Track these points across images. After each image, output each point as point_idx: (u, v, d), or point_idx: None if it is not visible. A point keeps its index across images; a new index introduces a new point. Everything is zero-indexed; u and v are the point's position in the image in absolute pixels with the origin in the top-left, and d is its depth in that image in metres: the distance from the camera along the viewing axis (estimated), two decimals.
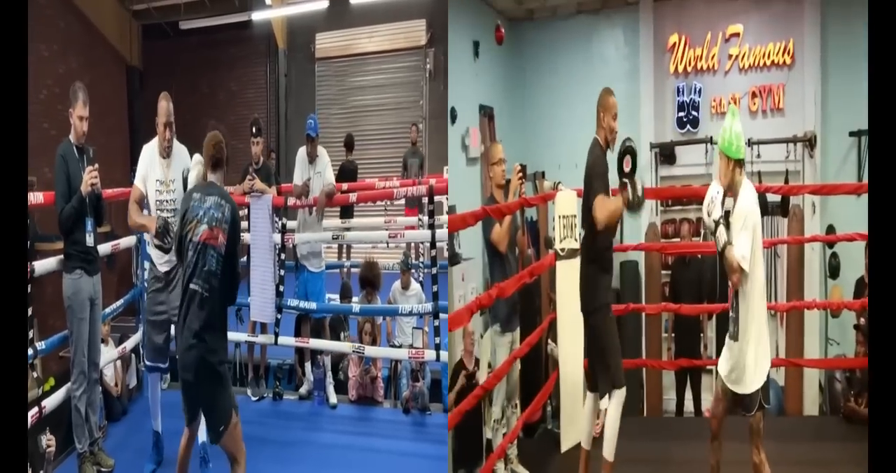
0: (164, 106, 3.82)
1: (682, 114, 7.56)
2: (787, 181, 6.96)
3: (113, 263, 6.79)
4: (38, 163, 4.88)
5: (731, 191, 3.29)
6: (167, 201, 3.83)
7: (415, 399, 5.12)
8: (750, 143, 6.72)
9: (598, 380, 3.66)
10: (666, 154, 7.54)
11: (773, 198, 6.69)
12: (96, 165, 3.75)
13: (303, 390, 5.46)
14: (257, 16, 11.02)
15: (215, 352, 3.00)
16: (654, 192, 6.49)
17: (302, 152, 5.27)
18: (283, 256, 5.11)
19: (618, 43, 7.86)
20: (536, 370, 5.64)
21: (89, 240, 3.80)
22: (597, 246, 3.56)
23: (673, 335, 6.69)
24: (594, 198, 3.42)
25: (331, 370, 5.43)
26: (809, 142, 7.03)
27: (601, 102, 3.53)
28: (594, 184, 3.45)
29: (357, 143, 8.39)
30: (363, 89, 11.42)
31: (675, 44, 7.55)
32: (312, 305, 5.13)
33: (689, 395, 6.61)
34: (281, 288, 5.07)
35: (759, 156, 6.97)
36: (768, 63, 7.26)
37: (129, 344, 5.12)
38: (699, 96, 7.49)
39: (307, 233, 5.23)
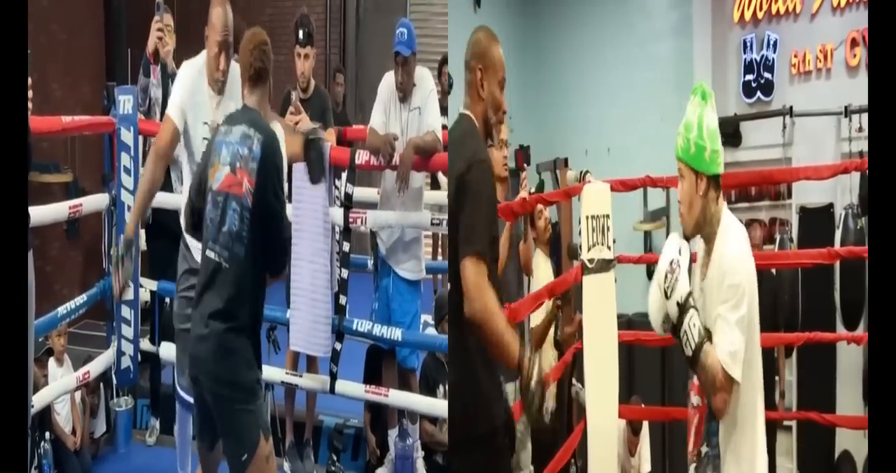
0: (220, 14, 2.65)
1: (749, 76, 5.69)
2: None
3: (76, 233, 4.71)
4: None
5: (703, 234, 2.04)
6: None
7: None
8: (848, 113, 4.89)
9: None
10: (728, 133, 5.51)
11: None
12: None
13: (380, 471, 3.58)
14: None
15: (236, 347, 2.19)
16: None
17: (388, 80, 3.28)
18: (347, 246, 3.25)
19: None
20: (555, 420, 4.38)
21: None
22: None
23: None
24: (465, 256, 1.89)
25: (421, 445, 3.58)
26: None
27: (478, 54, 2.09)
28: (473, 222, 1.91)
29: None
30: None
31: None
32: (397, 333, 3.26)
33: None
34: (342, 300, 3.25)
35: (861, 129, 4.83)
36: None
37: (96, 366, 3.34)
38: (774, 51, 5.59)
39: (391, 212, 3.31)
